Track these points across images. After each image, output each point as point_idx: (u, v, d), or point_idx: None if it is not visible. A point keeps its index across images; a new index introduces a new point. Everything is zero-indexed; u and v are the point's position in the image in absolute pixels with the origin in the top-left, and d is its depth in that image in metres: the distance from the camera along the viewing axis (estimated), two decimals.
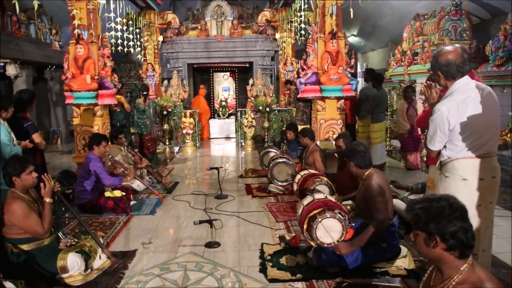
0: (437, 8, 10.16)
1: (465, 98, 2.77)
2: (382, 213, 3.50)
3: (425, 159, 5.62)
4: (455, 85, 2.83)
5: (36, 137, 4.85)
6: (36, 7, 8.18)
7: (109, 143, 5.75)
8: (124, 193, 5.74)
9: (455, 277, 1.87)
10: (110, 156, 6.08)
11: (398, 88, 11.76)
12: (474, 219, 2.82)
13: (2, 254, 3.62)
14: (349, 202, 4.65)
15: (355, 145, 3.90)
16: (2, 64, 10.54)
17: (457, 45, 2.96)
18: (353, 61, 8.01)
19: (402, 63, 11.39)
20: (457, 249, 1.84)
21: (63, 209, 4.59)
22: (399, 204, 4.48)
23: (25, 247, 3.49)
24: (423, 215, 1.88)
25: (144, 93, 8.99)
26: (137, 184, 6.39)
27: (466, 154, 2.82)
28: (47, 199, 3.54)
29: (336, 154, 5.70)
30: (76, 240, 3.78)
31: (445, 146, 2.88)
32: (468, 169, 2.83)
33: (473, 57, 8.77)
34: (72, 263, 3.46)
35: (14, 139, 4.29)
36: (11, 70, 10.73)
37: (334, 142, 5.71)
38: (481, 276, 1.84)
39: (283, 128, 10.13)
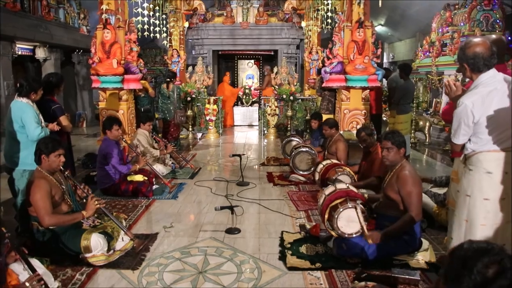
0: None
1: (490, 91, 2.73)
2: (417, 207, 3.47)
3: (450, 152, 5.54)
4: (481, 78, 2.80)
5: (63, 120, 4.93)
6: None
7: (121, 126, 5.82)
8: (146, 178, 5.81)
9: None
10: (124, 139, 6.17)
11: (425, 79, 11.54)
12: (497, 214, 2.82)
13: (29, 232, 3.74)
14: (364, 190, 4.62)
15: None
16: (32, 47, 10.75)
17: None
18: (379, 51, 7.87)
19: (430, 54, 11.14)
20: None
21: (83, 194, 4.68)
22: (423, 197, 4.42)
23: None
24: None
25: (167, 80, 9.05)
26: (159, 169, 6.47)
27: (491, 147, 2.79)
28: (85, 213, 3.65)
29: (361, 146, 5.64)
30: (100, 221, 3.86)
31: (469, 139, 2.84)
32: (492, 163, 2.80)
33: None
34: (95, 243, 3.53)
35: (42, 121, 4.38)
36: (40, 53, 10.93)
37: (356, 138, 5.65)
38: None
39: (307, 117, 10.09)
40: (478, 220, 2.84)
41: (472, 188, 2.86)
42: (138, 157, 5.93)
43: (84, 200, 3.83)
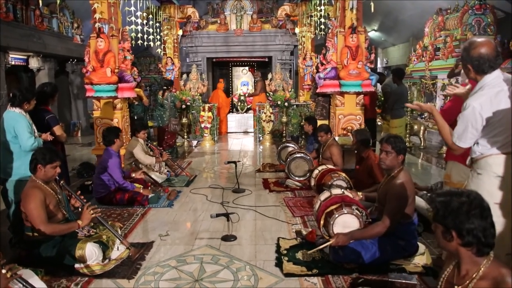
0: (460, 2, 9.96)
1: (498, 91, 2.63)
2: (392, 218, 3.42)
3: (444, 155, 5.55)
4: (486, 79, 2.69)
5: (57, 130, 4.92)
6: (58, 1, 8.33)
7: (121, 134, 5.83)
8: (142, 186, 5.79)
9: (475, 273, 1.86)
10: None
11: (418, 84, 11.60)
12: (509, 217, 2.72)
13: (23, 243, 3.71)
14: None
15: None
16: (25, 57, 10.73)
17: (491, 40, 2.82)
18: (373, 56, 7.89)
19: (423, 58, 11.21)
20: (474, 246, 1.83)
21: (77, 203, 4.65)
22: (419, 201, 4.42)
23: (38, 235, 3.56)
24: (441, 208, 1.88)
25: (164, 87, 9.13)
26: (156, 176, 6.46)
27: (500, 150, 2.69)
28: (80, 222, 3.62)
29: (355, 150, 5.64)
30: (95, 230, 3.84)
31: (477, 142, 2.75)
32: (502, 166, 2.69)
33: None
34: (90, 253, 3.50)
35: (35, 131, 4.35)
36: (34, 63, 10.93)
37: (352, 138, 5.64)
38: (503, 271, 1.81)
39: (302, 123, 10.10)
40: None
41: (482, 193, 2.68)
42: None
43: (80, 209, 3.80)
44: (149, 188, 6.00)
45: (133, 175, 6.08)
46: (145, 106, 8.67)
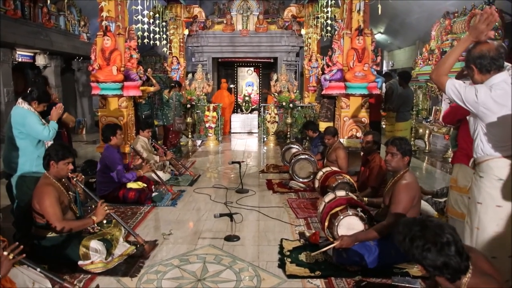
0: (468, 6, 9.90)
1: (503, 93, 2.58)
2: (396, 218, 3.41)
3: (450, 159, 5.50)
4: (492, 80, 2.63)
5: (65, 117, 4.93)
6: None
7: (122, 131, 5.84)
8: (145, 185, 5.79)
9: None
10: (131, 146, 6.19)
11: (424, 87, 11.55)
12: (510, 221, 2.70)
13: (27, 238, 3.71)
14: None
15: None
16: (32, 54, 10.77)
17: (494, 42, 2.79)
18: (379, 58, 7.86)
19: (429, 62, 11.15)
20: (442, 275, 1.83)
21: (88, 200, 4.66)
22: (424, 205, 4.41)
23: (49, 232, 3.57)
24: (401, 246, 1.90)
25: (171, 85, 9.16)
26: (160, 175, 6.46)
27: (502, 153, 2.66)
28: (95, 218, 3.66)
29: (361, 151, 5.61)
30: (99, 228, 3.85)
31: (481, 141, 2.71)
32: (504, 169, 2.67)
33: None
34: (94, 250, 3.51)
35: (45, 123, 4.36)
36: (40, 60, 10.96)
37: (362, 137, 5.61)
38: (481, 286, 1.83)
39: None
40: (490, 227, 2.72)
41: (484, 196, 2.73)
42: (143, 163, 5.93)
43: (94, 206, 3.84)
44: (152, 187, 5.98)
45: (133, 165, 6.07)
46: (152, 105, 8.68)
